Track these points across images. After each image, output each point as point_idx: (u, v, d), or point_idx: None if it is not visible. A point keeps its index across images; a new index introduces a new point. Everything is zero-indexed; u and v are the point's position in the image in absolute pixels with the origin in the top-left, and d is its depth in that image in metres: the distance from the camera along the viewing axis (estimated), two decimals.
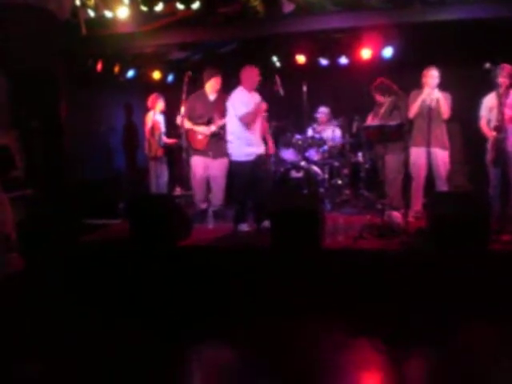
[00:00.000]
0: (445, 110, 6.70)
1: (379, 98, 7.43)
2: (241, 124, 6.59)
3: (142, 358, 4.34)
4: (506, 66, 6.08)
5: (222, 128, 7.12)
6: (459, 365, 4.06)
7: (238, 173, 6.79)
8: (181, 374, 4.25)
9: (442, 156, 6.79)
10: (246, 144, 6.65)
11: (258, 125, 6.84)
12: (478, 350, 4.32)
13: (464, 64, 7.74)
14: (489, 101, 6.40)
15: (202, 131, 7.28)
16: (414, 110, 6.80)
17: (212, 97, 7.41)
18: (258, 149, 6.77)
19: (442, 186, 6.81)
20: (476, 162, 6.60)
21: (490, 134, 6.27)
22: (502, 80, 6.06)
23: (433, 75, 6.73)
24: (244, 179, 6.68)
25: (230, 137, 6.75)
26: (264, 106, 6.80)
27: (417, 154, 6.78)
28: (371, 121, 7.51)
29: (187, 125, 7.32)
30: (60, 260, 6.04)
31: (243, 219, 6.71)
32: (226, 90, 7.30)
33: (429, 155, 6.59)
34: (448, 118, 6.80)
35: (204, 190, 7.49)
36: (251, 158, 6.64)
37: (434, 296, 4.95)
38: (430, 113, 6.57)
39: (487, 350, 4.32)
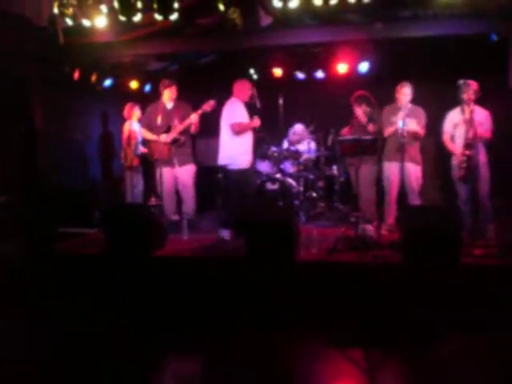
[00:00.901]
0: (419, 132, 6.80)
1: (358, 109, 7.49)
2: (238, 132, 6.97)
3: (110, 369, 4.34)
4: (472, 83, 6.16)
5: (182, 133, 7.22)
6: (434, 376, 4.12)
7: (241, 180, 7.05)
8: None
9: (414, 171, 6.86)
10: (245, 152, 7.03)
11: (250, 136, 7.16)
12: (451, 361, 4.38)
13: (438, 79, 7.86)
14: (453, 117, 6.47)
15: (164, 140, 7.27)
16: (387, 131, 6.89)
17: (169, 105, 7.44)
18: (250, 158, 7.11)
19: (415, 200, 6.87)
20: (447, 177, 6.68)
21: (457, 152, 6.34)
22: (466, 96, 6.14)
23: (405, 93, 6.80)
24: (248, 186, 7.11)
25: (232, 145, 7.03)
26: (258, 122, 7.12)
27: (390, 169, 6.85)
28: (347, 133, 7.57)
29: (149, 136, 7.38)
30: (34, 267, 6.00)
31: (227, 226, 6.78)
32: (201, 100, 7.33)
33: (402, 170, 6.65)
34: (422, 137, 6.89)
35: (173, 202, 7.49)
36: (249, 165, 7.04)
37: (406, 308, 5.00)
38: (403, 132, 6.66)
39: (459, 360, 4.38)
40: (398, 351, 4.60)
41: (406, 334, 4.81)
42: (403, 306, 5.02)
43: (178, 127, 7.21)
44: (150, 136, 7.37)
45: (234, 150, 7.05)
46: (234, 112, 7.05)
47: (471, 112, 6.11)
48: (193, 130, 7.29)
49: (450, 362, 4.36)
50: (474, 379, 4.09)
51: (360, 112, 7.36)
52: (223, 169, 7.39)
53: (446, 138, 6.57)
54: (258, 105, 7.38)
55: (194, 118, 7.13)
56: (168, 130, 7.27)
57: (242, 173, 7.08)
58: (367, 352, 4.52)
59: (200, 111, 7.12)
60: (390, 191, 6.94)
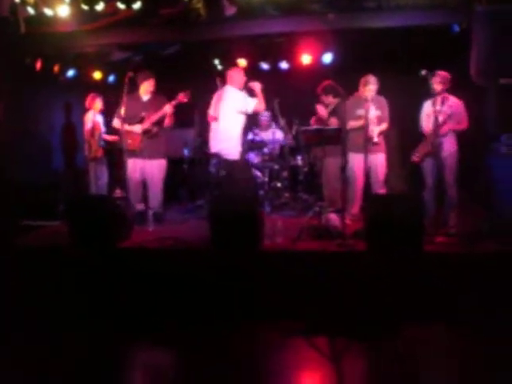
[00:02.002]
0: (384, 127, 6.91)
1: (324, 98, 7.54)
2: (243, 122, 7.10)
3: (74, 360, 4.33)
4: (440, 73, 6.24)
5: (155, 125, 7.18)
6: (396, 363, 4.18)
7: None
8: (115, 374, 4.24)
9: (380, 160, 6.93)
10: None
11: None
12: (413, 348, 4.46)
13: (402, 70, 7.92)
14: (426, 107, 6.56)
15: (135, 130, 7.21)
16: (350, 125, 6.91)
17: (145, 97, 7.37)
18: None
19: (380, 189, 6.94)
20: (411, 166, 6.76)
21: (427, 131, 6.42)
22: (435, 87, 6.22)
23: (370, 89, 6.81)
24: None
25: (234, 135, 7.10)
26: None
27: (354, 160, 6.88)
28: (315, 123, 7.61)
29: (121, 126, 7.26)
30: None
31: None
32: (165, 91, 7.30)
33: (367, 159, 6.70)
34: (387, 127, 6.97)
35: (139, 192, 7.41)
36: None
37: (370, 297, 5.06)
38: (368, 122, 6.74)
39: (421, 348, 4.46)
40: (363, 339, 4.66)
41: (369, 322, 4.88)
42: (367, 294, 5.08)
43: (151, 118, 7.16)
44: (122, 126, 7.11)
45: (238, 138, 7.13)
46: (241, 100, 7.06)
47: (441, 103, 6.20)
48: (167, 122, 7.23)
49: (412, 350, 4.44)
50: (435, 366, 4.16)
51: (321, 108, 7.43)
52: (220, 157, 7.29)
53: (423, 127, 6.60)
54: None
55: (168, 108, 7.07)
56: (141, 120, 7.21)
57: (242, 160, 7.25)
58: (332, 340, 4.57)
59: (174, 102, 7.06)
60: (355, 182, 6.97)
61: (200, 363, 4.30)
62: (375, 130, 6.75)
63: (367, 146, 6.33)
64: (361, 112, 6.74)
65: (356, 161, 6.84)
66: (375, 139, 6.73)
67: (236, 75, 7.18)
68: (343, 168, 6.03)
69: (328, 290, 5.15)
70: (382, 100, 6.97)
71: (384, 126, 6.93)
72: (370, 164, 6.68)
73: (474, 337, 4.63)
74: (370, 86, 6.81)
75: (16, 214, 7.21)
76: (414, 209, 5.47)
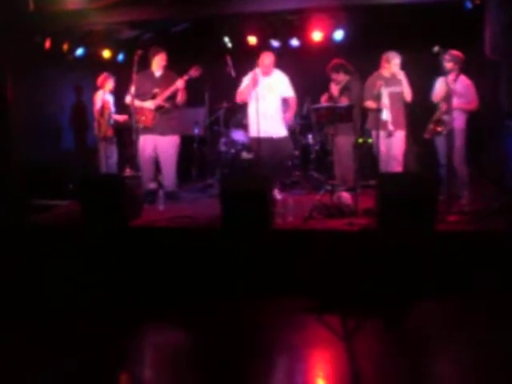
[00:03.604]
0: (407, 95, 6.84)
1: (335, 76, 7.48)
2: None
3: (87, 339, 4.35)
4: (453, 52, 6.17)
5: (168, 101, 7.14)
6: (408, 341, 4.18)
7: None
8: (127, 349, 4.27)
9: (398, 137, 6.90)
10: None
11: None
12: (427, 326, 4.45)
13: (413, 47, 7.83)
14: (438, 84, 6.50)
15: (148, 106, 7.19)
16: (368, 104, 6.93)
17: (158, 73, 7.33)
18: None
19: (397, 167, 6.92)
20: (424, 143, 6.72)
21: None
22: (447, 64, 6.15)
23: (396, 63, 6.79)
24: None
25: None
26: None
27: (376, 136, 6.89)
28: (326, 101, 7.56)
29: (135, 103, 7.23)
30: (7, 239, 5.93)
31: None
32: (175, 69, 7.26)
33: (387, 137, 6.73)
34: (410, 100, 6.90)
35: (152, 170, 7.40)
36: None
37: (381, 275, 5.04)
38: (390, 96, 6.73)
39: (435, 326, 4.45)
40: (375, 317, 4.65)
41: (382, 300, 4.87)
42: (378, 272, 5.06)
43: (163, 93, 7.13)
44: (132, 103, 7.08)
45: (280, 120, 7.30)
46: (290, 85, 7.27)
47: (453, 81, 6.15)
48: (179, 98, 7.19)
49: (424, 327, 4.43)
50: (449, 342, 4.15)
51: (333, 86, 7.38)
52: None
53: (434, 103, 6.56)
54: (233, 74, 7.33)
55: (179, 83, 7.04)
56: (153, 97, 7.18)
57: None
58: (343, 318, 4.56)
59: (186, 76, 7.02)
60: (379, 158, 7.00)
61: (211, 339, 4.31)
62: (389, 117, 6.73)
63: (386, 123, 6.33)
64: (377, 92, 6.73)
65: (377, 137, 6.83)
66: (390, 127, 6.69)
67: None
68: (355, 146, 5.99)
69: (339, 268, 5.13)
70: (401, 73, 6.90)
71: (407, 98, 6.86)
72: (390, 141, 6.68)
73: (487, 311, 4.60)
74: (395, 61, 6.80)
75: (27, 193, 7.22)
76: (427, 187, 5.43)
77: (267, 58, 7.12)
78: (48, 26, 7.52)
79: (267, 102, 7.07)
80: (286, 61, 8.20)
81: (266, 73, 7.19)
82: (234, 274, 5.30)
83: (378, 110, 6.48)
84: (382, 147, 6.67)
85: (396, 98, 6.78)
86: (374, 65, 7.06)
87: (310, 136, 8.45)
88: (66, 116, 9.40)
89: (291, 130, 8.46)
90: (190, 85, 7.14)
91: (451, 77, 6.22)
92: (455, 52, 6.20)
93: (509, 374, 3.58)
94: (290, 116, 7.46)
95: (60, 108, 9.18)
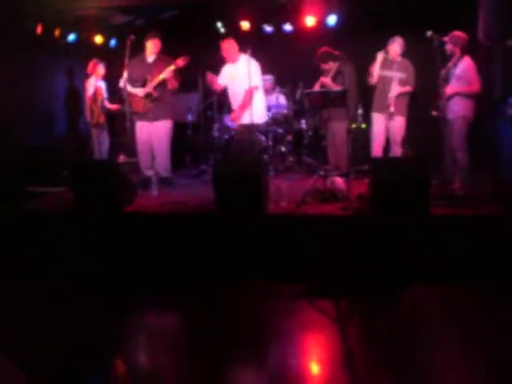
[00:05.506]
0: (407, 89, 6.87)
1: (324, 66, 7.45)
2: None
3: (81, 325, 4.36)
4: (454, 32, 6.08)
5: (157, 88, 7.10)
6: (400, 326, 4.19)
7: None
8: (120, 333, 4.29)
9: (398, 122, 6.91)
10: None
11: None
12: (419, 310, 4.48)
13: (408, 31, 7.79)
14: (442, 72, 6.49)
15: (138, 93, 7.17)
16: (374, 80, 6.92)
17: (150, 59, 7.29)
18: None
19: (397, 151, 6.98)
20: (418, 129, 6.72)
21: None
22: (447, 47, 6.10)
23: (392, 48, 6.82)
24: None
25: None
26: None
27: (376, 118, 6.94)
28: (318, 88, 7.55)
29: (128, 88, 7.20)
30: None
31: None
32: (168, 54, 7.22)
33: (388, 120, 6.77)
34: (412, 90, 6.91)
35: (148, 156, 7.37)
36: None
37: (374, 259, 5.06)
38: (391, 79, 6.78)
39: (427, 309, 4.48)
40: (367, 301, 4.67)
41: (374, 285, 4.88)
42: (371, 257, 5.08)
43: (153, 81, 7.10)
44: (125, 88, 7.07)
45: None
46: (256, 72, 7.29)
47: (453, 64, 6.13)
48: (169, 86, 7.16)
49: (416, 310, 4.46)
50: (439, 327, 4.17)
51: (323, 79, 7.36)
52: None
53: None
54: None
55: (166, 73, 7.01)
56: (144, 83, 7.15)
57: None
58: (336, 302, 4.58)
59: (173, 66, 6.99)
60: (374, 141, 7.04)
61: (203, 323, 4.33)
62: (393, 91, 6.76)
63: (388, 106, 6.36)
64: (385, 73, 6.83)
65: (376, 120, 6.92)
66: (392, 109, 6.73)
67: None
68: (348, 131, 5.99)
69: (332, 253, 5.14)
70: (408, 63, 6.92)
71: (407, 88, 6.88)
72: (390, 125, 6.72)
73: (477, 298, 4.63)
74: (392, 46, 6.82)
75: (19, 179, 7.18)
76: (419, 171, 5.43)
77: (225, 46, 7.19)
78: (39, 10, 7.46)
79: (234, 90, 7.31)
80: (279, 45, 8.20)
81: (231, 60, 7.27)
82: (227, 260, 5.30)
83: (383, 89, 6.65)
84: (381, 131, 6.72)
85: (389, 82, 6.79)
86: (368, 49, 7.03)
87: (303, 121, 8.45)
88: (58, 102, 9.37)
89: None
90: (182, 71, 7.10)
91: (452, 59, 6.16)
92: (457, 32, 6.10)
93: (500, 357, 3.61)
94: (238, 112, 7.37)
95: (53, 94, 9.14)
